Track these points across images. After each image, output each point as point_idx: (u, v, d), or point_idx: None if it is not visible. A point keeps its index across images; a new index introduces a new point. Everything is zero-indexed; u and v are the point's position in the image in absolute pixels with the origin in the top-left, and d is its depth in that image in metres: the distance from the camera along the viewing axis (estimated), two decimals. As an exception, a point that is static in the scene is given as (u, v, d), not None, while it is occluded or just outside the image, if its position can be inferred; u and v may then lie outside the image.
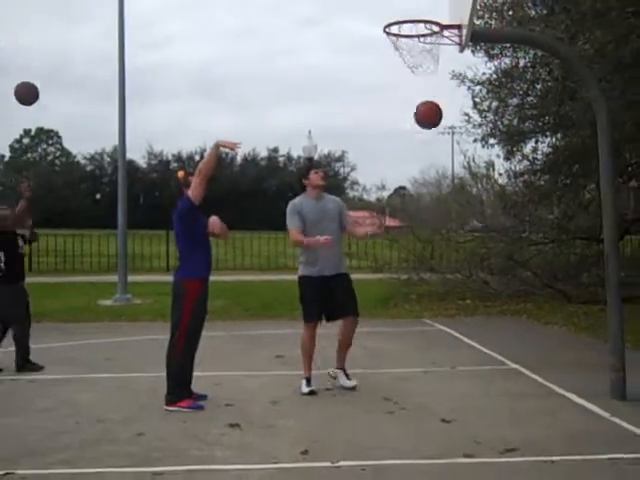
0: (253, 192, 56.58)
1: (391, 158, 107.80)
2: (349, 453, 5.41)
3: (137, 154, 62.24)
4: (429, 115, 7.69)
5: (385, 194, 62.44)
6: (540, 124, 15.52)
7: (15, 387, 8.03)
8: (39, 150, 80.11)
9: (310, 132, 25.71)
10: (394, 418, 6.50)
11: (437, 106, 7.70)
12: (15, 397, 7.55)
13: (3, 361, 8.96)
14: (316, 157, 30.91)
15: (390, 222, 24.82)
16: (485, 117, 15.97)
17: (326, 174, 8.18)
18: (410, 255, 18.22)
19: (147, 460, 5.32)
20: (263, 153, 66.22)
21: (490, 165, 16.77)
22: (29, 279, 9.72)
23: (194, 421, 6.43)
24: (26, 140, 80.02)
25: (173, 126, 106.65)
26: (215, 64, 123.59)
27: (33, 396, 7.60)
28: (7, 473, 5.01)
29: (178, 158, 64.97)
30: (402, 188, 62.12)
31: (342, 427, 6.20)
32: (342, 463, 5.17)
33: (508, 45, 14.45)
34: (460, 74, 15.83)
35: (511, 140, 16.04)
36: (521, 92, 15.31)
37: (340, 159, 66.79)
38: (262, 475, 4.99)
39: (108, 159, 62.40)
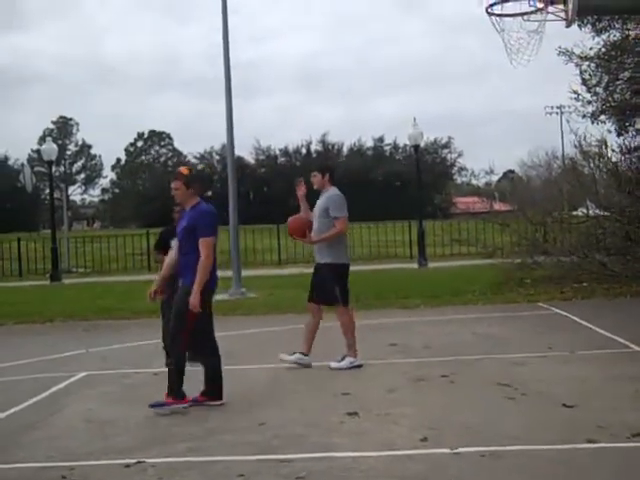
0: (359, 182, 56.51)
1: (498, 142, 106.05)
2: (468, 439, 5.38)
3: (245, 150, 63.19)
4: (297, 227, 8.56)
5: (494, 178, 61.46)
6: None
7: (140, 380, 8.33)
8: (152, 152, 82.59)
9: (415, 120, 25.47)
10: (514, 404, 6.43)
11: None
12: (140, 389, 7.84)
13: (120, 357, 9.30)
14: (422, 144, 30.63)
15: (500, 206, 24.43)
16: (595, 93, 15.53)
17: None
18: (522, 239, 17.86)
19: (269, 448, 5.44)
20: (369, 143, 66.15)
21: (602, 142, 16.26)
22: (148, 276, 10.06)
23: (313, 410, 6.53)
24: (140, 143, 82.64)
25: (279, 120, 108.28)
26: (318, 55, 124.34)
27: (157, 388, 7.86)
28: (138, 461, 5.23)
29: (285, 152, 65.57)
30: (511, 172, 60.89)
31: (460, 413, 6.17)
32: (461, 449, 5.15)
33: (617, 17, 13.98)
34: (567, 50, 15.43)
35: (623, 115, 15.53)
36: (632, 65, 14.78)
37: (446, 145, 65.90)
38: (382, 462, 5.03)
39: (217, 157, 63.54)
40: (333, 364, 8.36)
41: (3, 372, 8.90)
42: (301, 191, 8.64)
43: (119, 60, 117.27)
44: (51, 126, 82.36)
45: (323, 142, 65.25)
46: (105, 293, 17.92)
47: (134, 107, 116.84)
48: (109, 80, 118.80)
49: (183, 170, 7.03)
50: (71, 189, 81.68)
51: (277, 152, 65.54)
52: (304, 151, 65.20)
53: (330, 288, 8.31)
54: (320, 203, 8.49)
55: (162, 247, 9.14)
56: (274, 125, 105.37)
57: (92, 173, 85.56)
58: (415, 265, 23.21)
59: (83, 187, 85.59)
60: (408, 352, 9.16)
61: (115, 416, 6.57)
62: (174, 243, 9.01)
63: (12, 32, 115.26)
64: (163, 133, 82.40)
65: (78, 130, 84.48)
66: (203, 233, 6.65)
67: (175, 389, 6.74)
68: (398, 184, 56.09)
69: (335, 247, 8.37)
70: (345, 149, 65.90)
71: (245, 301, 15.71)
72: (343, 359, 8.39)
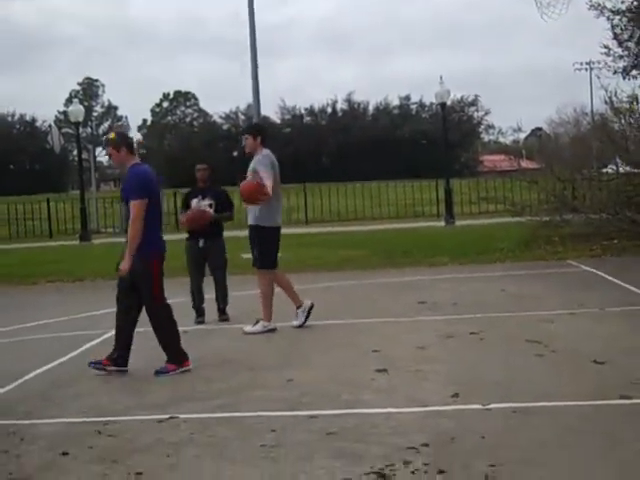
0: (386, 141, 56.16)
1: (526, 99, 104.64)
2: (499, 396, 5.38)
3: (270, 110, 62.87)
4: (250, 190, 8.10)
5: (521, 136, 60.71)
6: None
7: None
8: (178, 112, 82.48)
9: (442, 77, 25.18)
10: (544, 360, 6.40)
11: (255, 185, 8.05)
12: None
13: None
14: (449, 102, 30.32)
15: (527, 164, 24.19)
16: (626, 48, 15.23)
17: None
18: (550, 196, 17.69)
19: (299, 404, 5.48)
20: (395, 102, 65.61)
21: (633, 98, 15.98)
22: (177, 235, 10.12)
23: (342, 367, 6.55)
24: (165, 104, 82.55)
25: (304, 80, 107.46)
26: (343, 14, 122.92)
27: (187, 346, 7.93)
28: (171, 417, 5.28)
29: (311, 111, 65.19)
30: (538, 129, 60.18)
31: (491, 370, 6.17)
32: (493, 406, 5.15)
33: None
34: (598, 4, 15.12)
35: (656, 70, 15.22)
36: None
37: (473, 103, 65.11)
38: (413, 418, 5.05)
39: (243, 117, 63.32)
40: (247, 328, 8.32)
41: (36, 330, 9.02)
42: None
43: (145, 21, 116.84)
44: (77, 87, 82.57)
45: (349, 101, 64.80)
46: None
47: (159, 68, 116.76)
48: (135, 41, 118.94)
49: (110, 135, 6.82)
50: (98, 150, 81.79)
51: (302, 111, 65.20)
52: (329, 110, 64.77)
53: (255, 250, 8.28)
54: (252, 165, 8.25)
55: (187, 208, 9.23)
56: (300, 85, 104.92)
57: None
58: (442, 223, 23.12)
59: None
60: (437, 309, 9.15)
61: (147, 373, 6.63)
62: (194, 202, 9.10)
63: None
64: (188, 93, 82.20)
65: (104, 91, 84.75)
66: (131, 196, 6.43)
67: (173, 355, 6.70)
68: (424, 142, 55.66)
69: (266, 208, 8.18)
70: (371, 108, 65.40)
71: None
72: (257, 323, 8.35)
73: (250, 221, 8.29)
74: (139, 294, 6.66)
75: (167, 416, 5.30)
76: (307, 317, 8.40)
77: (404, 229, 21.31)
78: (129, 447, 4.74)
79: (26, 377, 6.69)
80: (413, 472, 4.06)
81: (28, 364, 7.07)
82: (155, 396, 5.93)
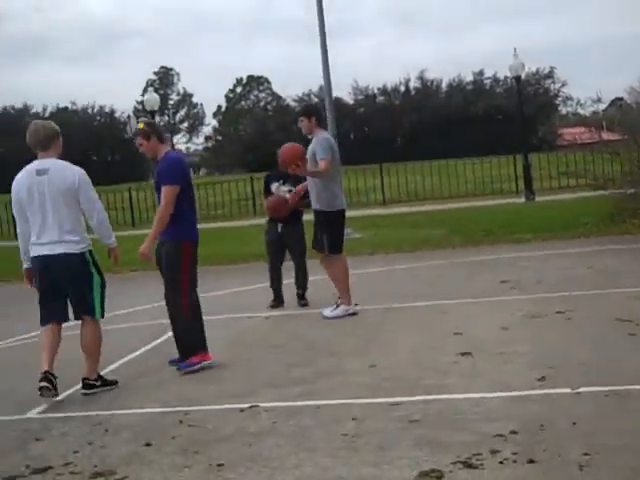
0: (460, 118, 55.32)
1: (605, 69, 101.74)
2: (589, 379, 5.17)
3: (343, 91, 62.62)
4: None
5: (601, 107, 58.97)
6: None
7: (251, 324, 8.40)
8: (252, 97, 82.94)
9: (516, 50, 24.55)
10: (636, 340, 6.14)
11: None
12: (251, 334, 7.90)
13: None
14: (523, 76, 29.58)
15: (609, 135, 23.41)
16: None
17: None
18: (634, 168, 17.07)
19: (381, 390, 5.37)
20: (468, 77, 64.53)
21: None
22: (254, 220, 10.09)
23: (423, 351, 6.41)
24: (239, 89, 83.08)
25: (376, 59, 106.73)
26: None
27: (268, 332, 7.93)
28: (252, 406, 5.24)
29: (383, 91, 64.67)
30: (619, 99, 58.28)
31: (579, 351, 5.94)
32: (582, 389, 4.94)
33: None
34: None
35: None
36: None
37: (549, 75, 63.45)
38: (499, 403, 4.88)
39: (316, 99, 63.23)
40: (327, 312, 8.20)
41: (120, 319, 9.11)
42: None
43: (216, 8, 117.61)
44: (153, 77, 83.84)
45: (421, 79, 63.99)
46: (211, 239, 18.17)
47: (232, 54, 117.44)
48: (206, 28, 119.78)
49: (140, 125, 6.68)
50: (176, 138, 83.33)
51: (375, 91, 64.72)
52: (402, 89, 64.12)
53: (319, 235, 8.17)
54: (311, 147, 8.17)
55: (267, 192, 9.18)
56: (372, 64, 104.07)
57: (195, 121, 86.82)
58: (522, 200, 22.63)
59: (187, 136, 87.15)
60: (520, 288, 8.90)
61: (227, 361, 6.62)
62: (274, 187, 9.04)
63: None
64: (261, 77, 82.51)
65: (179, 80, 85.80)
66: (163, 181, 6.34)
67: (197, 346, 6.47)
68: (500, 118, 54.62)
69: (326, 193, 8.09)
70: (444, 85, 64.48)
71: (350, 242, 15.60)
72: (337, 307, 8.23)
73: (314, 206, 8.21)
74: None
75: (248, 405, 5.26)
76: (338, 316, 8.17)
77: (483, 207, 20.94)
78: (210, 437, 4.72)
79: (111, 367, 6.75)
80: (501, 462, 3.90)
81: (113, 353, 7.12)
82: (235, 384, 5.90)
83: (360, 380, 5.68)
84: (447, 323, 7.36)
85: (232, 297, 10.42)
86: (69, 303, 6.09)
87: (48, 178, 5.89)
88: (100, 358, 6.17)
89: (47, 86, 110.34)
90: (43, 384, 5.78)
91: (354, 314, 8.16)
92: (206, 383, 6.04)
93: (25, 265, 6.18)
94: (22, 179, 5.99)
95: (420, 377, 5.60)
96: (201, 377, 6.25)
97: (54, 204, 5.88)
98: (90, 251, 6.08)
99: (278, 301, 9.16)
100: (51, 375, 5.89)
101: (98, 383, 6.06)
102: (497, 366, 5.73)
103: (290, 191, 8.90)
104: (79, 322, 6.16)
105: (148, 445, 4.66)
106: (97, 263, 6.12)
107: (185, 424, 5.01)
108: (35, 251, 6.00)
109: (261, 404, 5.27)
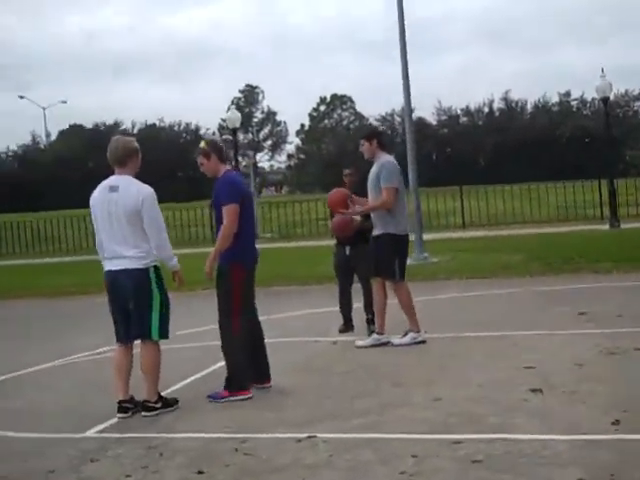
0: (545, 140, 54.33)
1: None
2: (668, 424, 4.87)
3: (427, 111, 62.59)
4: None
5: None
6: None
7: (318, 349, 8.27)
8: (335, 116, 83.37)
9: (603, 70, 23.89)
10: None
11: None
12: (317, 359, 7.77)
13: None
14: (612, 97, 28.81)
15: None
16: None
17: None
18: None
19: (444, 426, 5.17)
20: (554, 99, 63.56)
21: None
22: (331, 241, 9.96)
23: (491, 385, 6.17)
24: (322, 107, 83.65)
25: (461, 78, 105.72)
26: (499, 8, 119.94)
27: (334, 358, 7.79)
28: (310, 436, 5.11)
29: (467, 112, 64.21)
30: None
31: (658, 393, 5.62)
32: (660, 435, 4.65)
33: None
34: None
35: None
36: None
37: (639, 97, 62.08)
38: (568, 447, 4.61)
39: (398, 119, 63.07)
40: (396, 340, 7.98)
41: (188, 338, 9.10)
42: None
43: (301, 28, 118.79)
44: (238, 95, 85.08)
45: (505, 100, 63.35)
46: (288, 258, 18.19)
47: (316, 72, 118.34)
48: (292, 48, 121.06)
49: (201, 144, 6.63)
50: (259, 155, 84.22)
51: (459, 112, 64.30)
52: (486, 110, 63.52)
53: (388, 261, 7.88)
54: (373, 171, 7.95)
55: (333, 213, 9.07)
56: (456, 83, 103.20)
57: (278, 139, 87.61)
58: (606, 227, 21.95)
59: (270, 153, 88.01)
60: (599, 321, 8.53)
61: (291, 386, 6.51)
62: None
63: (200, 6, 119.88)
64: (344, 96, 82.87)
65: (264, 98, 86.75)
66: (223, 201, 6.29)
67: (232, 380, 6.28)
68: (587, 140, 53.43)
69: (395, 216, 7.86)
70: (529, 106, 63.61)
71: (427, 266, 15.40)
72: (406, 335, 7.99)
73: (379, 231, 7.96)
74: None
75: (306, 435, 5.13)
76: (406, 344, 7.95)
77: (565, 233, 20.38)
78: (264, 467, 4.60)
79: (174, 387, 6.73)
80: (566, 513, 3.67)
81: (177, 373, 7.12)
82: (295, 412, 5.78)
83: (424, 414, 5.49)
84: (518, 356, 7.08)
85: (302, 319, 10.31)
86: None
87: (118, 195, 5.96)
88: (160, 376, 6.12)
89: (137, 103, 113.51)
90: (119, 416, 5.93)
91: (422, 342, 7.95)
92: (266, 409, 5.93)
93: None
94: (97, 195, 6.11)
95: (486, 414, 5.37)
96: (261, 403, 6.15)
97: (121, 221, 5.94)
98: (155, 267, 6.07)
99: (347, 326, 9.02)
100: (127, 404, 5.97)
101: (158, 405, 6.02)
102: (568, 406, 5.46)
103: None
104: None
105: (200, 473, 4.57)
106: (161, 282, 6.11)
107: (240, 452, 4.91)
108: (104, 266, 6.10)
109: (319, 434, 5.13)
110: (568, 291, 11.18)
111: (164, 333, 6.12)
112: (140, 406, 5.99)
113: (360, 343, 8.08)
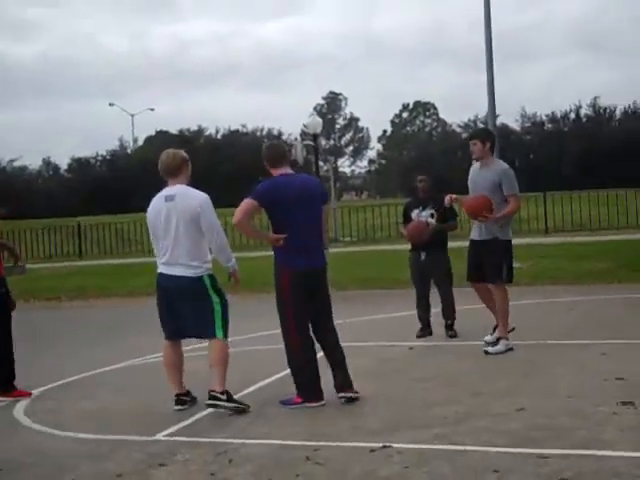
0: (635, 147, 52.56)
1: None
2: None
3: (511, 117, 61.56)
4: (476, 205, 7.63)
5: None
6: None
7: (394, 354, 8.01)
8: (417, 122, 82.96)
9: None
10: None
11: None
12: (393, 364, 7.51)
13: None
14: None
15: None
16: None
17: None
18: None
19: (528, 440, 4.84)
20: (645, 105, 61.52)
21: None
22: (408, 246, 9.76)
23: (579, 397, 5.80)
24: (405, 114, 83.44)
25: (549, 85, 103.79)
26: (592, 15, 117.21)
27: (412, 364, 7.53)
28: (384, 446, 4.87)
29: (552, 118, 62.74)
30: None
31: None
32: None
33: None
34: None
35: None
36: None
37: None
38: (664, 465, 4.27)
39: (481, 125, 62.16)
40: (491, 349, 7.60)
41: (259, 341, 8.96)
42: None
43: (385, 35, 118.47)
44: (321, 102, 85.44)
45: (593, 106, 61.57)
46: (366, 262, 17.93)
47: (399, 79, 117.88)
48: (375, 54, 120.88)
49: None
50: (340, 161, 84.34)
51: (544, 118, 62.91)
52: (572, 116, 61.95)
53: (498, 266, 7.59)
54: (488, 176, 7.62)
55: (407, 220, 8.87)
56: (544, 90, 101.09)
57: (360, 145, 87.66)
58: None
59: (351, 159, 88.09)
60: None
61: (365, 392, 6.25)
62: (414, 214, 8.70)
63: (290, 16, 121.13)
64: (428, 103, 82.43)
65: (346, 104, 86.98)
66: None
67: (301, 388, 6.13)
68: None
69: (503, 223, 7.64)
70: (618, 112, 61.72)
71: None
72: (497, 342, 7.63)
73: (486, 236, 7.68)
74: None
75: (380, 445, 4.88)
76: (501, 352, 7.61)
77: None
78: (336, 478, 4.38)
79: (245, 391, 6.58)
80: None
81: (249, 377, 6.98)
82: (370, 420, 5.54)
83: (506, 425, 5.18)
84: (607, 366, 6.69)
85: (381, 323, 10.11)
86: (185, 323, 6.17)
87: (174, 204, 6.05)
88: (230, 379, 6.04)
89: (223, 109, 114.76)
90: (177, 408, 6.13)
91: (511, 349, 7.62)
92: (340, 417, 5.72)
93: None
94: (154, 204, 6.22)
95: (574, 427, 5.04)
96: (336, 409, 5.94)
97: (178, 229, 6.03)
98: (210, 275, 6.14)
99: (425, 331, 8.76)
100: (184, 396, 6.18)
101: (223, 397, 5.96)
102: (663, 421, 5.08)
103: (432, 215, 8.57)
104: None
105: (269, 482, 4.38)
106: (217, 286, 6.16)
107: (312, 461, 4.70)
108: (159, 268, 6.22)
109: (394, 444, 4.88)
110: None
111: (226, 333, 6.16)
112: (207, 396, 5.99)
113: (491, 349, 7.67)
